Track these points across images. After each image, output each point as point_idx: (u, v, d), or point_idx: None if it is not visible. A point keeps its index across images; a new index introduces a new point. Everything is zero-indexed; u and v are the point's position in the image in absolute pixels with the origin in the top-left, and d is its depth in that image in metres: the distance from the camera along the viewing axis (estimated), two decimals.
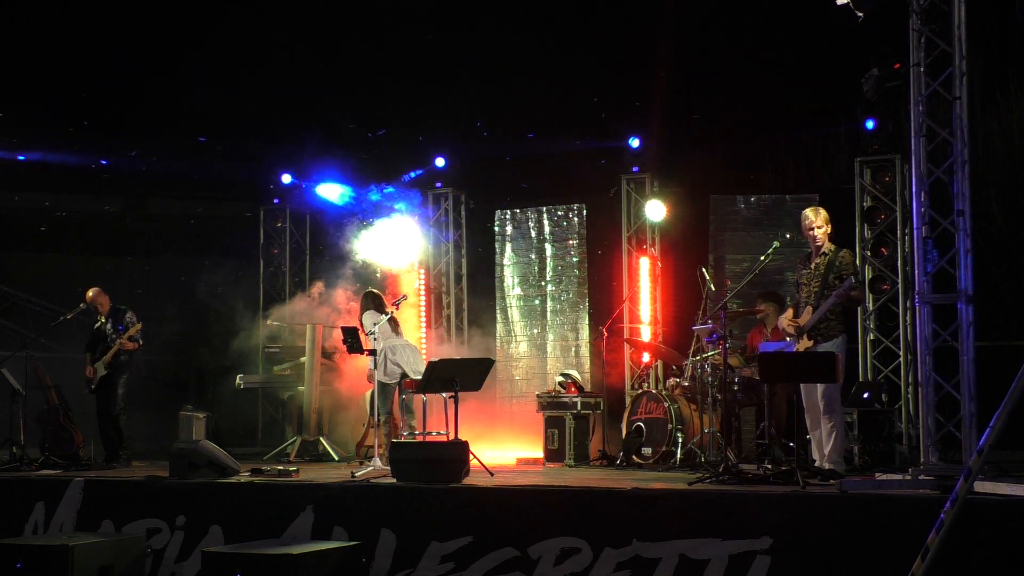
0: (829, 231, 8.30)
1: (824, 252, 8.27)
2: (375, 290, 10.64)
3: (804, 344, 8.15)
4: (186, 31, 13.13)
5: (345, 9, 12.63)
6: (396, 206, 13.10)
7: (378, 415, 9.69)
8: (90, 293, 10.70)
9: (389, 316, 9.94)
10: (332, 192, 13.03)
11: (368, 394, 10.13)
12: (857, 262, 10.62)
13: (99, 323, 10.68)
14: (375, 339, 9.68)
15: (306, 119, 13.20)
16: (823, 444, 8.17)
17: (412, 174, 13.07)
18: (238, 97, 13.01)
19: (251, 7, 12.64)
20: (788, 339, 8.35)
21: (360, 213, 12.70)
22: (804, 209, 8.61)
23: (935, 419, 7.57)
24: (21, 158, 13.54)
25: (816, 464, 8.21)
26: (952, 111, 7.49)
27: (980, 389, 7.27)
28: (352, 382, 11.44)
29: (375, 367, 9.75)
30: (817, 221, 8.30)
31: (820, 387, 8.09)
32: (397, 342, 10.03)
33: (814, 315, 8.10)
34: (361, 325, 10.01)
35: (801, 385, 8.23)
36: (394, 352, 9.89)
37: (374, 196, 12.68)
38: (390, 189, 12.76)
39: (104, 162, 13.96)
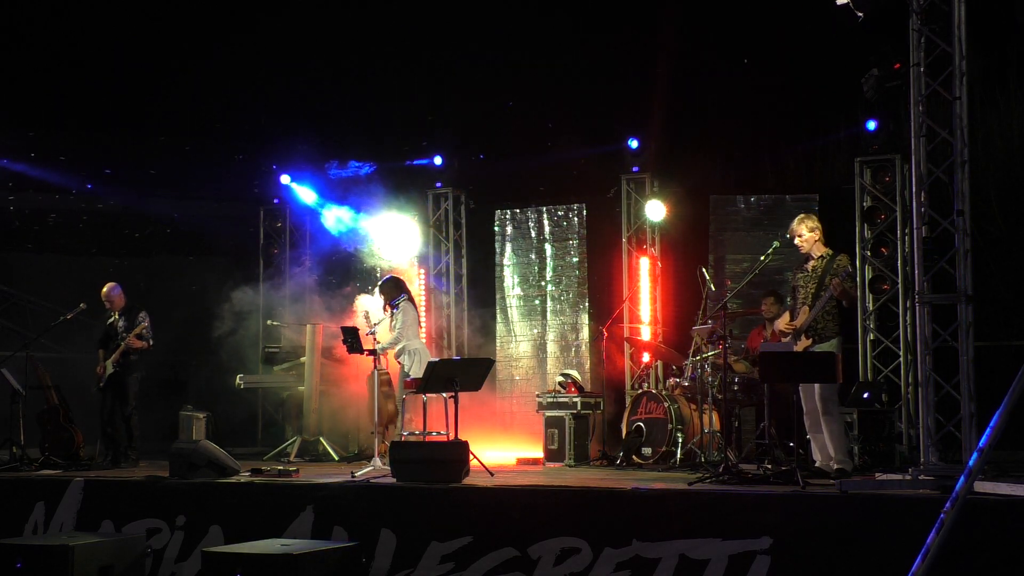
0: (815, 238, 8.36)
1: (821, 256, 8.31)
2: (399, 276, 10.71)
3: (803, 344, 8.17)
4: (186, 30, 13.13)
5: (345, 9, 12.63)
6: (395, 203, 13.14)
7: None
8: (104, 289, 10.68)
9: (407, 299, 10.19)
10: (307, 195, 13.05)
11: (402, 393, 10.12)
12: (857, 263, 10.64)
13: (112, 319, 10.66)
14: (399, 336, 9.86)
15: (306, 119, 13.20)
16: (827, 445, 8.19)
17: (410, 162, 13.09)
18: (238, 96, 13.01)
19: (251, 7, 12.64)
20: (784, 340, 8.37)
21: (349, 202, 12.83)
22: (803, 209, 8.68)
23: (935, 419, 7.57)
24: (19, 168, 13.55)
25: (816, 465, 8.23)
26: (952, 111, 7.50)
27: (980, 389, 7.28)
28: (356, 381, 11.43)
29: (406, 362, 9.93)
30: (798, 230, 8.41)
31: (816, 388, 8.11)
32: (420, 344, 10.24)
33: (811, 312, 8.13)
34: (392, 314, 10.07)
35: (800, 387, 8.25)
36: (426, 355, 10.06)
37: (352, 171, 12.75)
38: (355, 167, 12.80)
39: (104, 161, 13.97)
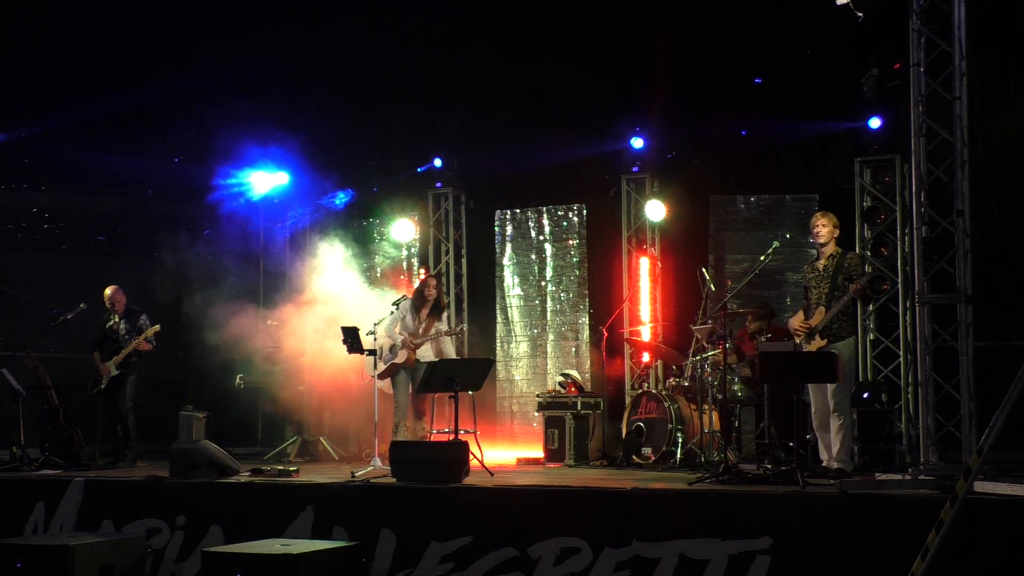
0: (835, 235, 8.41)
1: (832, 255, 8.34)
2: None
3: (817, 343, 8.18)
4: (184, 25, 13.13)
5: (343, 7, 12.61)
6: (395, 203, 13.15)
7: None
8: (108, 291, 10.77)
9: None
10: (264, 181, 13.03)
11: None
12: None
13: (111, 322, 10.72)
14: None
15: (305, 118, 13.18)
16: (831, 444, 8.20)
17: (419, 169, 13.13)
18: (236, 94, 12.98)
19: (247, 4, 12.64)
20: (798, 340, 8.37)
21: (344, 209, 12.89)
22: (803, 209, 8.71)
23: (935, 419, 7.58)
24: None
25: (823, 464, 8.24)
26: (952, 111, 7.50)
27: (980, 389, 7.28)
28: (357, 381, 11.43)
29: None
30: (822, 220, 8.52)
31: (829, 388, 8.12)
32: None
33: (827, 314, 8.14)
34: (436, 311, 10.32)
35: (811, 386, 8.28)
36: None
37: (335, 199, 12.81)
38: (339, 197, 12.87)
39: (104, 160, 13.95)
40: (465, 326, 11.63)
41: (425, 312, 10.23)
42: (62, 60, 13.18)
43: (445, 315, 10.61)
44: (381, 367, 9.93)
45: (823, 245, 8.46)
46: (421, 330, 10.14)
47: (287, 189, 13.43)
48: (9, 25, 12.82)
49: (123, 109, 13.34)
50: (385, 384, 10.22)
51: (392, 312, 10.18)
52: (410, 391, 10.05)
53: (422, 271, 12.95)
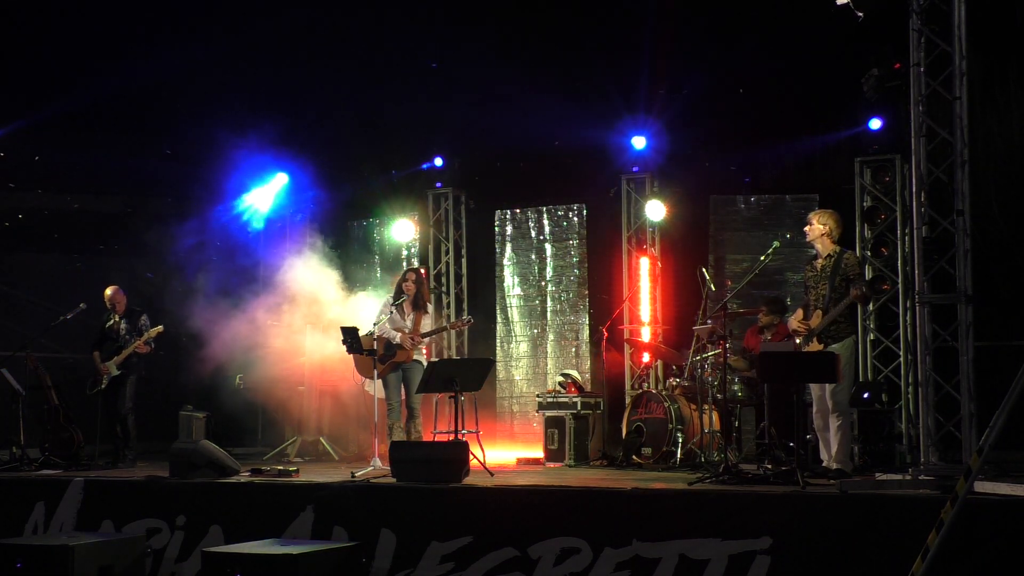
0: (822, 231, 8.37)
1: (829, 254, 8.33)
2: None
3: (815, 347, 8.17)
4: (185, 26, 13.12)
5: (341, 6, 12.61)
6: (395, 203, 13.14)
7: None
8: (108, 291, 10.78)
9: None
10: (265, 196, 13.09)
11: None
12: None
13: (111, 322, 10.73)
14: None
15: (305, 118, 13.17)
16: (830, 444, 8.20)
17: (413, 169, 13.14)
18: (236, 93, 12.98)
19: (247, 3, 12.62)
20: (797, 340, 8.36)
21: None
22: (804, 209, 8.70)
23: (935, 419, 7.58)
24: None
25: (824, 464, 8.24)
26: (952, 111, 7.50)
27: (980, 389, 7.28)
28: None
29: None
30: (811, 219, 8.50)
31: (828, 388, 8.12)
32: None
33: (825, 318, 8.13)
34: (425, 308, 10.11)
35: (813, 385, 8.28)
36: None
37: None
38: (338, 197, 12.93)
39: (104, 160, 13.95)
40: (471, 317, 11.46)
41: (408, 306, 10.08)
42: (62, 57, 13.16)
43: (431, 308, 10.39)
44: (381, 367, 9.89)
45: (814, 243, 8.47)
46: (409, 322, 10.00)
47: (286, 189, 13.43)
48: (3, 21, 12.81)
49: (123, 108, 13.34)
50: (379, 386, 10.20)
51: (391, 312, 10.17)
52: (402, 394, 9.97)
53: (422, 271, 12.92)
